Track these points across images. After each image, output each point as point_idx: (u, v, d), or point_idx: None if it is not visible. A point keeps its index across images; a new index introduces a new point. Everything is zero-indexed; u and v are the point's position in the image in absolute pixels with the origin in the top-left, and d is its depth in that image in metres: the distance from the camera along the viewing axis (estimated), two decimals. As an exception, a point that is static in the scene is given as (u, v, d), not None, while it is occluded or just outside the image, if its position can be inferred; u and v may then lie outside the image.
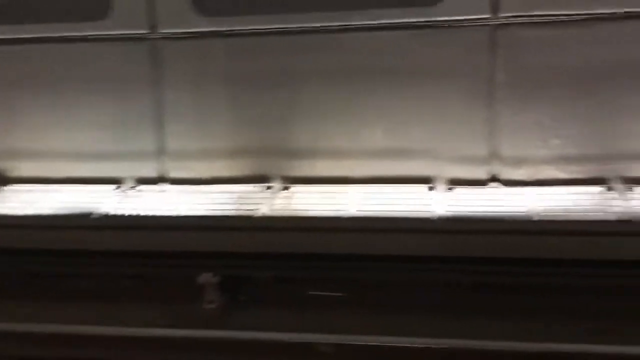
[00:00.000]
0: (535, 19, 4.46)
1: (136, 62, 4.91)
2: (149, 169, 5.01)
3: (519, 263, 3.96)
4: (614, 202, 4.17)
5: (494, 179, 4.52)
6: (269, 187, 4.78)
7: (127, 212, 4.43)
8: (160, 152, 4.92)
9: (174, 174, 4.97)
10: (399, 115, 4.58)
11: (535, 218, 4.11)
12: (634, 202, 4.15)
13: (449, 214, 4.19)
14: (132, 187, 4.86)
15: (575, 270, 4.01)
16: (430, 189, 4.52)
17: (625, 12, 4.35)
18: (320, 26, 4.64)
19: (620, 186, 4.35)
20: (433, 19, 4.42)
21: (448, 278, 4.01)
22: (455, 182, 4.58)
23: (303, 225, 4.05)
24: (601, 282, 4.07)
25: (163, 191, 4.81)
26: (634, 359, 3.71)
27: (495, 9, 4.42)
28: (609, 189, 4.35)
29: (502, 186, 4.49)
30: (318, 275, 4.03)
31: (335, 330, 3.88)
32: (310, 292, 4.11)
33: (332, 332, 3.88)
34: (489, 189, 4.49)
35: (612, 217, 4.08)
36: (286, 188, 4.77)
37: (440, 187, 4.50)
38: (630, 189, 4.36)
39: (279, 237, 4.02)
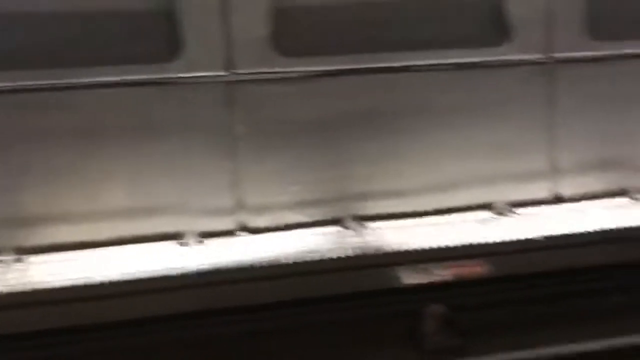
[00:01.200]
0: (267, 76, 4.35)
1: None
2: None
3: (279, 306, 3.86)
4: (351, 239, 3.99)
5: (242, 228, 4.13)
6: (-1, 262, 3.80)
7: None
8: None
9: None
10: (144, 172, 4.15)
11: (283, 261, 3.75)
12: (368, 237, 4.01)
13: (203, 267, 3.68)
14: None
15: (324, 308, 3.77)
16: (182, 244, 3.97)
17: (349, 68, 4.44)
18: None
19: (354, 224, 4.16)
20: (171, 75, 3.95)
21: (209, 332, 3.49)
22: (206, 235, 4.15)
23: (44, 299, 3.27)
24: (346, 314, 3.86)
25: None
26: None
27: (229, 66, 4.17)
28: (346, 227, 4.16)
29: (250, 234, 4.10)
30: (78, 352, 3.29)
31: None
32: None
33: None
34: (237, 238, 4.08)
35: (351, 253, 3.82)
36: (19, 260, 3.77)
37: (192, 242, 3.98)
38: (364, 226, 4.17)
39: (18, 315, 3.20)
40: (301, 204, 4.52)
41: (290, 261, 4.01)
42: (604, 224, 4.29)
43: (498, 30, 4.67)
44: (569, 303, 4.36)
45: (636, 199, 4.72)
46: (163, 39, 4.31)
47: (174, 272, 3.87)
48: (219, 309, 3.83)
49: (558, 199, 4.70)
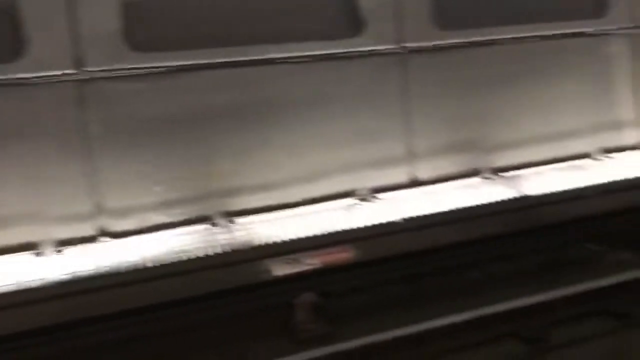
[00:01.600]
0: (120, 73, 4.04)
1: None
2: None
3: (147, 310, 3.69)
4: (220, 236, 3.81)
5: (103, 233, 3.83)
6: None
7: None
8: None
9: None
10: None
11: (149, 265, 3.51)
12: (237, 233, 3.86)
13: (62, 277, 3.38)
14: None
15: (197, 307, 3.61)
16: (38, 254, 3.62)
17: (205, 63, 4.25)
18: None
19: (222, 221, 3.99)
20: (16, 76, 3.58)
21: (72, 344, 3.25)
22: (64, 243, 3.81)
23: None
24: (219, 311, 3.72)
25: None
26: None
27: (79, 64, 3.79)
28: (214, 224, 3.97)
29: (112, 239, 3.83)
30: None
31: None
32: None
33: None
34: (99, 244, 3.78)
35: (219, 250, 3.66)
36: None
37: (48, 251, 3.63)
38: (232, 222, 4.01)
39: None
40: (166, 204, 4.30)
41: (156, 264, 3.77)
42: (457, 203, 4.38)
43: (352, 22, 4.63)
44: (430, 281, 4.44)
45: (486, 178, 4.87)
46: (5, 37, 3.88)
47: (29, 285, 3.49)
48: (83, 319, 3.55)
49: (415, 183, 4.76)
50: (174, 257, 3.88)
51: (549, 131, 5.26)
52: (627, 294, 4.29)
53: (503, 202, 4.47)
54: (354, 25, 4.64)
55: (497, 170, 5.03)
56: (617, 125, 5.50)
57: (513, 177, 4.97)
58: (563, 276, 4.52)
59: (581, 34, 5.31)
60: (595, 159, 5.31)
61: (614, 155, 5.36)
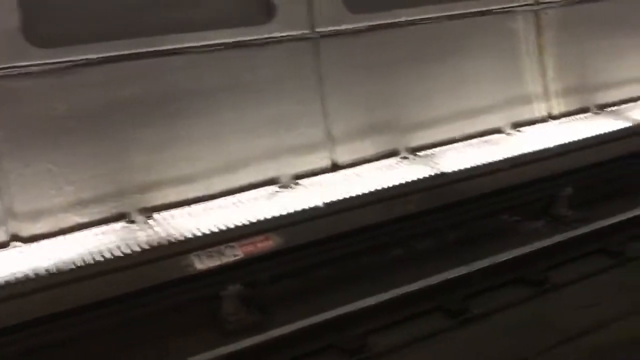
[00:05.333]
0: (21, 70, 3.94)
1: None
2: None
3: (69, 313, 3.60)
4: (138, 234, 3.72)
5: (15, 238, 3.68)
6: None
7: None
8: None
9: None
10: None
11: (64, 268, 3.46)
12: (156, 229, 3.77)
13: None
14: None
15: (121, 307, 3.53)
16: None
17: (112, 55, 4.09)
18: None
19: (141, 217, 3.89)
20: None
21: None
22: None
23: None
24: (145, 309, 3.65)
25: None
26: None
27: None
28: (132, 222, 3.87)
29: (24, 244, 3.64)
30: None
31: None
32: None
33: None
34: (11, 250, 3.61)
35: (139, 248, 3.58)
36: None
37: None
38: (151, 218, 3.91)
39: None
40: (80, 204, 4.14)
41: (72, 266, 3.63)
42: (377, 184, 4.44)
43: (263, 8, 4.57)
44: (354, 262, 4.48)
45: (404, 158, 4.95)
46: None
47: None
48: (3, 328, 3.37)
49: (336, 167, 4.78)
50: (93, 258, 3.73)
51: (462, 109, 5.38)
52: (541, 261, 4.47)
53: (421, 180, 4.55)
54: (266, 11, 4.58)
55: (414, 150, 5.11)
56: (525, 100, 5.69)
57: (429, 155, 5.07)
58: (481, 248, 4.66)
59: (488, 12, 5.44)
60: (506, 133, 5.48)
61: (523, 129, 5.54)
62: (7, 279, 3.51)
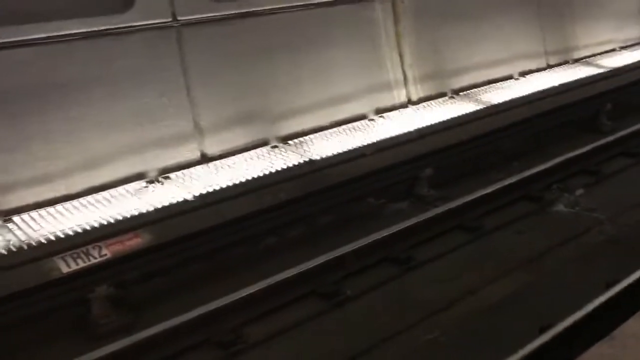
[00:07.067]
0: None
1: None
2: None
3: None
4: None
5: None
6: None
7: None
8: None
9: None
10: None
11: None
12: (16, 232, 3.59)
13: None
14: None
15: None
16: None
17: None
18: None
19: (-2, 221, 3.69)
20: None
21: None
22: None
23: None
24: (8, 317, 3.44)
25: None
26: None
27: None
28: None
29: None
30: None
31: None
32: None
33: None
34: None
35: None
36: None
37: None
38: (10, 220, 3.74)
39: None
40: None
41: None
42: (248, 174, 4.42)
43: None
44: (228, 254, 4.45)
45: (274, 147, 4.97)
46: None
47: None
48: None
49: (206, 158, 4.70)
50: None
51: (328, 96, 5.47)
52: (406, 240, 4.67)
53: (291, 168, 4.58)
54: (122, 0, 4.38)
55: (284, 138, 5.14)
56: (387, 87, 5.88)
57: (299, 143, 5.12)
58: (350, 231, 4.79)
59: (347, 1, 5.56)
60: (370, 119, 5.64)
61: (386, 114, 5.73)
62: None
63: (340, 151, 4.87)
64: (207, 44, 4.72)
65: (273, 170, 4.54)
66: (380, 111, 5.69)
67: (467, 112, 5.70)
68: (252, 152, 4.94)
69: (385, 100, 5.77)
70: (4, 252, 3.56)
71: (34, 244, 3.67)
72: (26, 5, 4.06)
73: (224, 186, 4.29)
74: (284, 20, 5.12)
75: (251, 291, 3.99)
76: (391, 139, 5.13)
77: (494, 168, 5.83)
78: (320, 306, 4.10)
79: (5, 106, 3.93)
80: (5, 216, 3.95)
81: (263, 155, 4.87)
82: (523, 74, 6.78)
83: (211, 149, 4.79)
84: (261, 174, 4.48)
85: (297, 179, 4.56)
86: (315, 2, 5.28)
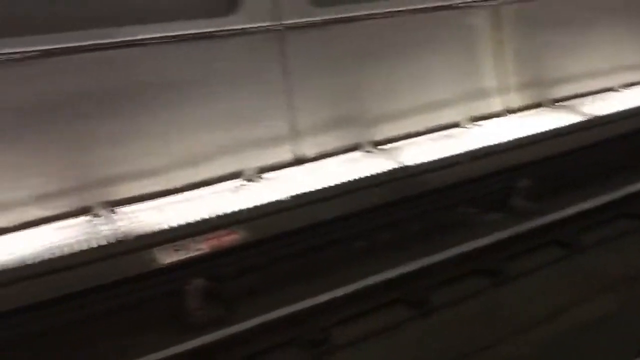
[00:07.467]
0: None
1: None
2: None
3: (30, 309, 3.53)
4: (102, 228, 3.67)
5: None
6: None
7: None
8: None
9: None
10: None
11: (29, 262, 3.38)
12: (120, 223, 3.72)
13: None
14: None
15: (83, 302, 3.48)
16: None
17: (72, 46, 3.96)
18: None
19: (104, 211, 3.84)
20: None
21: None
22: None
23: None
24: (107, 304, 3.60)
25: None
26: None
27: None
28: (95, 215, 3.80)
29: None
30: None
31: None
32: None
33: None
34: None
35: (102, 242, 3.53)
36: None
37: None
38: (115, 212, 3.85)
39: None
40: (43, 197, 4.04)
41: (37, 261, 3.55)
42: (341, 178, 4.45)
43: (227, 0, 4.51)
44: (318, 255, 4.50)
45: (367, 152, 4.98)
46: None
47: None
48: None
49: (300, 160, 4.78)
50: (54, 253, 3.67)
51: (423, 102, 5.43)
52: (498, 252, 4.56)
53: (383, 173, 4.58)
54: (229, 3, 4.52)
55: (377, 143, 5.15)
56: (484, 94, 5.77)
57: (392, 148, 5.11)
58: (441, 240, 4.73)
59: (449, 7, 5.49)
60: (464, 127, 5.55)
61: (481, 122, 5.63)
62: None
63: (434, 158, 4.81)
64: (308, 48, 4.80)
65: (365, 175, 4.54)
66: (476, 119, 5.59)
67: (568, 123, 5.50)
68: (346, 155, 4.96)
69: (481, 108, 5.66)
70: (109, 241, 3.74)
71: (136, 234, 3.84)
72: (134, 7, 4.24)
73: (318, 188, 4.34)
74: (383, 25, 5.13)
75: (340, 294, 4.02)
76: (486, 147, 5.03)
77: (594, 182, 5.59)
78: (407, 314, 4.07)
79: (113, 103, 4.13)
80: (112, 207, 4.15)
81: (356, 159, 4.89)
82: (626, 85, 6.46)
83: (306, 151, 4.86)
84: (354, 178, 4.49)
85: (389, 184, 4.56)
86: (416, 7, 5.24)
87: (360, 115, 5.08)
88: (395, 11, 5.17)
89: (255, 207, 4.08)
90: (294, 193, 4.27)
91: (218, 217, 3.99)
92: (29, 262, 3.54)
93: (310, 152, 4.84)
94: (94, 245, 3.71)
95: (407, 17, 5.24)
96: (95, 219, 4.01)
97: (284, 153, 4.75)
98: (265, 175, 4.60)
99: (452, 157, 4.86)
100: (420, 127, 5.31)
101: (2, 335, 3.52)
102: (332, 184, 4.40)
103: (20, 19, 3.84)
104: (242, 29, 4.51)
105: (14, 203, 3.91)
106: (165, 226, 3.91)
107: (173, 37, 4.28)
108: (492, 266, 4.41)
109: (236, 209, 4.07)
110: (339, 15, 4.93)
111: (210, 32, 4.42)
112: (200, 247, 3.92)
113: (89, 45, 4.00)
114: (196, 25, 4.35)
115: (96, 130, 4.09)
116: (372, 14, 5.09)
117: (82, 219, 4.04)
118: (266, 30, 4.60)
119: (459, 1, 5.46)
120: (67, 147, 4.06)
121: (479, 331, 3.80)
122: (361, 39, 5.08)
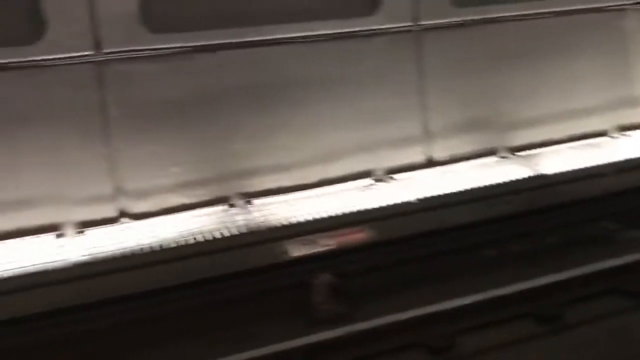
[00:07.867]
0: (137, 54, 3.93)
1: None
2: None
3: (159, 293, 3.63)
4: (237, 217, 3.80)
5: (123, 214, 3.84)
6: None
7: None
8: None
9: None
10: (9, 165, 3.58)
11: (166, 246, 3.59)
12: (254, 214, 3.83)
13: (84, 258, 3.38)
14: None
15: (214, 288, 3.60)
16: (59, 236, 3.64)
17: (221, 43, 4.16)
18: None
19: (240, 202, 3.97)
20: (33, 58, 3.51)
21: (93, 324, 3.28)
22: (85, 225, 3.90)
23: None
24: (236, 292, 3.72)
25: None
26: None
27: (97, 45, 3.72)
28: (231, 205, 3.95)
29: (132, 220, 3.81)
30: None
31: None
32: None
33: None
34: (120, 225, 3.79)
35: (236, 231, 3.66)
36: None
37: (70, 232, 3.65)
38: (250, 203, 3.98)
39: None
40: (184, 185, 4.27)
41: (174, 245, 3.76)
42: (473, 183, 4.33)
43: (367, 1, 4.53)
44: (445, 261, 4.41)
45: (502, 157, 4.81)
46: (24, 19, 3.83)
47: (52, 267, 3.50)
48: (101, 300, 3.55)
49: (431, 163, 4.70)
50: (191, 239, 3.85)
51: (565, 109, 5.16)
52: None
53: (519, 181, 4.40)
54: (370, 3, 4.54)
55: (513, 149, 4.95)
56: (633, 102, 5.38)
57: (529, 155, 4.89)
58: (577, 255, 4.47)
59: (597, 9, 5.17)
60: (611, 136, 5.20)
61: (630, 132, 5.25)
62: (113, 254, 3.65)
63: (575, 168, 4.55)
64: (445, 49, 4.71)
65: (499, 181, 4.38)
66: (624, 128, 5.21)
67: None
68: (479, 160, 4.82)
69: (631, 117, 5.27)
70: (243, 231, 3.87)
71: (269, 226, 3.95)
72: (280, 6, 4.35)
73: (448, 192, 4.24)
74: (527, 27, 4.92)
75: (467, 302, 3.90)
76: (634, 160, 4.66)
77: None
78: (536, 329, 3.88)
79: (258, 98, 4.28)
80: (248, 198, 4.30)
81: (490, 165, 4.74)
82: None
83: (437, 154, 4.78)
84: (487, 184, 4.34)
85: (525, 192, 4.36)
86: (564, 9, 4.98)
87: (496, 119, 4.91)
88: (543, 12, 4.93)
89: (383, 207, 4.06)
90: (423, 196, 4.19)
91: (348, 214, 4.00)
92: (169, 245, 3.73)
93: (442, 154, 4.75)
94: (229, 234, 3.84)
95: (554, 19, 4.99)
96: (232, 209, 4.16)
97: (416, 154, 4.70)
98: (395, 175, 4.56)
99: (595, 167, 4.58)
100: (561, 135, 5.04)
101: (141, 314, 3.73)
102: (463, 188, 4.27)
103: (180, 17, 4.03)
104: (381, 29, 4.49)
105: (157, 190, 4.14)
106: (296, 220, 3.97)
107: (316, 36, 4.34)
108: (631, 287, 4.09)
109: (365, 207, 4.06)
110: (480, 16, 4.79)
111: (351, 31, 4.45)
112: (329, 242, 3.95)
113: (241, 42, 4.15)
114: (339, 25, 4.40)
115: (239, 124, 4.25)
116: (516, 16, 4.90)
117: (218, 208, 4.19)
118: (405, 30, 4.55)
119: (610, 4, 5.10)
120: (209, 139, 4.25)
121: (611, 353, 3.54)
122: (502, 41, 4.92)
